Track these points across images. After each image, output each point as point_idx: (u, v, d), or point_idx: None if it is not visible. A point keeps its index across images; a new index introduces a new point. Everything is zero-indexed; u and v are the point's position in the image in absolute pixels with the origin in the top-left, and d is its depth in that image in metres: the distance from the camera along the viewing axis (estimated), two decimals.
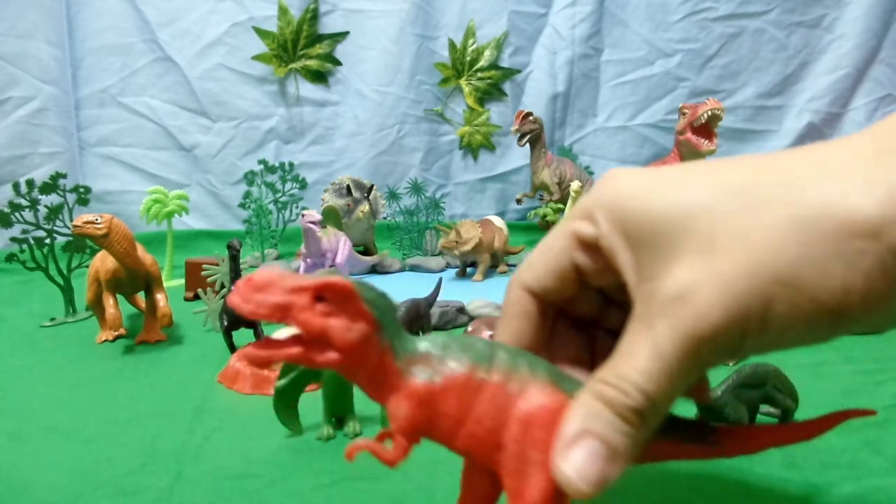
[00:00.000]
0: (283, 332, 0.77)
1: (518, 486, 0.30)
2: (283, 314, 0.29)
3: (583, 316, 0.35)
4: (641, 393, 0.26)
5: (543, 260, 0.33)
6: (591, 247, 0.30)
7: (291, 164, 1.52)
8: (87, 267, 0.90)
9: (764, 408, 0.57)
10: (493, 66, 1.81)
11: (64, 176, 0.96)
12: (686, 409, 0.56)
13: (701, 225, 0.25)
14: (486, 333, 0.74)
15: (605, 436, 0.27)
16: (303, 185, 1.52)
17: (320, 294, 0.30)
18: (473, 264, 1.25)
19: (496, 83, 1.82)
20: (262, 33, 1.69)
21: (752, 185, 0.26)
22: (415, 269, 1.33)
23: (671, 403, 0.27)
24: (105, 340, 0.85)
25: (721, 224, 0.25)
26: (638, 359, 0.26)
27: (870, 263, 0.23)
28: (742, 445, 0.34)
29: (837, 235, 0.23)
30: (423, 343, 0.32)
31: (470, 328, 0.84)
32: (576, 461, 0.27)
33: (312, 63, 1.73)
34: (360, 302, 0.30)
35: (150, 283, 0.86)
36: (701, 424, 0.34)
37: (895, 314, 0.25)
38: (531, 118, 1.45)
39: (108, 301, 0.82)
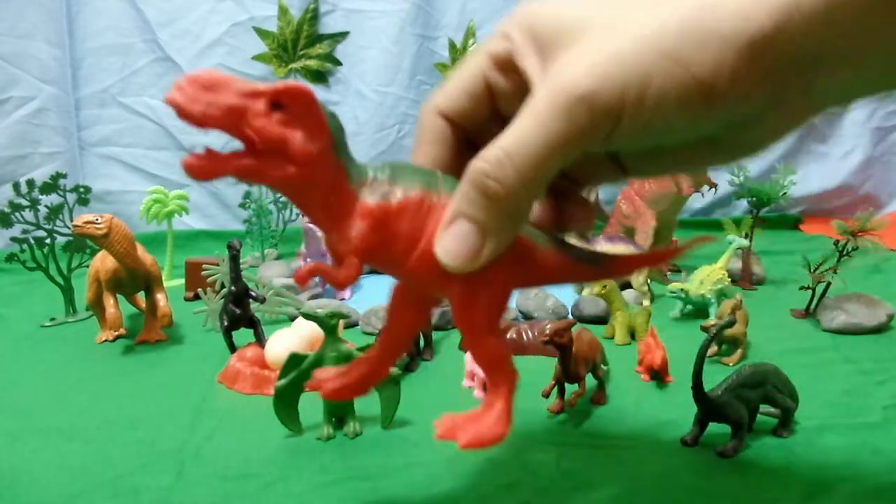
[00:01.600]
0: (283, 332, 0.77)
1: (464, 303, 0.31)
2: (236, 119, 0.27)
3: None
4: (508, 157, 0.27)
5: (457, 82, 0.33)
6: (504, 65, 0.31)
7: None
8: (88, 267, 0.90)
9: (764, 408, 0.57)
10: None
11: (64, 176, 0.96)
12: (687, 410, 0.56)
13: (600, 19, 0.27)
14: None
15: (471, 214, 0.28)
16: None
17: (277, 100, 0.28)
18: None
19: None
20: (262, 33, 1.69)
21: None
22: None
23: (541, 174, 0.28)
24: (105, 340, 0.85)
25: (618, 16, 0.27)
26: (514, 126, 0.27)
27: (743, 42, 0.24)
28: (618, 268, 0.37)
29: (718, 17, 0.25)
30: (372, 169, 0.31)
31: None
32: (445, 241, 0.29)
33: (312, 63, 1.73)
34: (321, 113, 0.29)
35: (150, 283, 0.86)
36: (591, 252, 0.36)
37: (759, 110, 0.27)
38: None
39: (109, 301, 0.82)
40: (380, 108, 1.76)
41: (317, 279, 1.12)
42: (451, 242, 0.29)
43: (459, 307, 0.32)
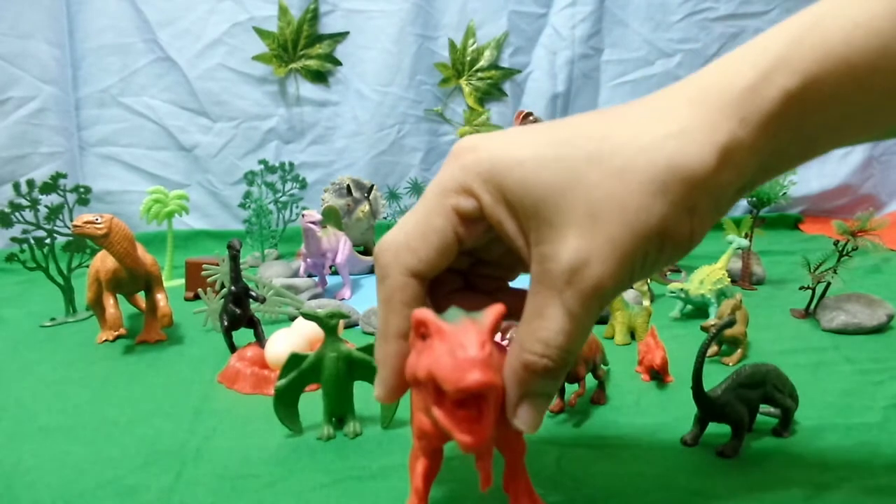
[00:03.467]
0: (283, 332, 0.77)
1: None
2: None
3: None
4: (562, 350, 0.31)
5: (426, 242, 0.33)
6: (471, 220, 0.33)
7: (292, 164, 1.52)
8: (88, 267, 0.90)
9: (764, 408, 0.57)
10: (493, 66, 1.81)
11: (64, 176, 0.96)
12: (687, 410, 0.56)
13: (578, 194, 0.29)
14: None
15: (541, 392, 0.33)
16: (303, 185, 1.52)
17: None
18: None
19: (496, 83, 1.82)
20: (262, 33, 1.69)
21: (609, 151, 0.30)
22: None
23: (583, 343, 0.33)
24: (105, 340, 0.85)
25: (596, 192, 0.29)
26: (554, 321, 0.31)
27: (705, 210, 0.30)
28: None
29: (685, 192, 0.29)
30: None
31: None
32: (524, 417, 0.33)
33: (312, 63, 1.73)
34: None
35: (150, 283, 0.86)
36: None
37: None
38: (531, 118, 1.45)
39: (109, 301, 0.82)
40: (380, 108, 1.76)
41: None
42: (532, 416, 0.33)
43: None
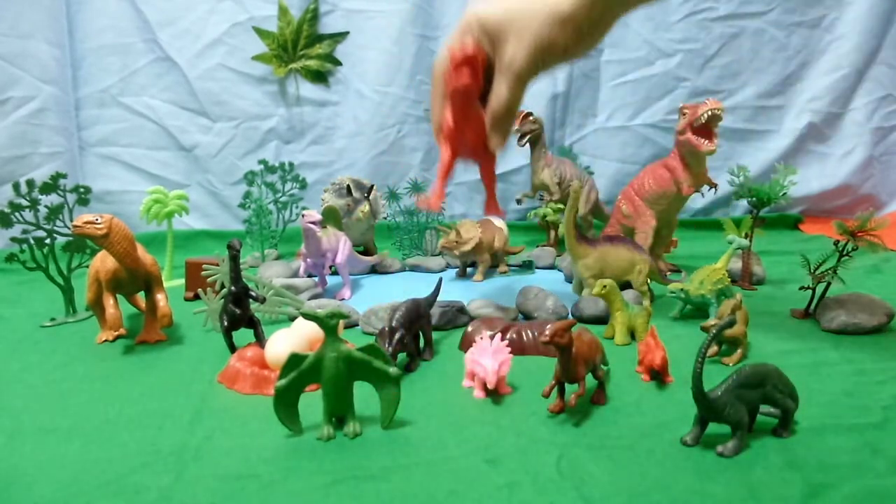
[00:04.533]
0: (283, 332, 0.77)
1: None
2: None
3: None
4: (505, 106, 0.56)
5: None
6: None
7: (291, 164, 1.52)
8: (88, 267, 0.90)
9: (764, 408, 0.57)
10: None
11: (64, 176, 0.96)
12: (687, 410, 0.56)
13: (514, 24, 0.52)
14: (486, 333, 0.74)
15: (500, 127, 0.58)
16: (303, 185, 1.52)
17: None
18: (473, 264, 1.25)
19: None
20: (262, 33, 1.69)
21: (530, 7, 0.52)
22: (415, 269, 1.33)
23: (517, 104, 0.56)
24: (105, 340, 0.85)
25: (521, 26, 0.52)
26: (501, 91, 0.55)
27: (571, 35, 0.51)
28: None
29: (559, 25, 0.50)
30: None
31: (470, 328, 0.84)
32: (493, 140, 0.59)
33: (312, 63, 1.73)
34: None
35: (150, 283, 0.86)
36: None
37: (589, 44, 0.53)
38: (531, 118, 1.45)
39: (108, 301, 0.82)
40: (380, 108, 1.76)
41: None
42: (497, 139, 0.59)
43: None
